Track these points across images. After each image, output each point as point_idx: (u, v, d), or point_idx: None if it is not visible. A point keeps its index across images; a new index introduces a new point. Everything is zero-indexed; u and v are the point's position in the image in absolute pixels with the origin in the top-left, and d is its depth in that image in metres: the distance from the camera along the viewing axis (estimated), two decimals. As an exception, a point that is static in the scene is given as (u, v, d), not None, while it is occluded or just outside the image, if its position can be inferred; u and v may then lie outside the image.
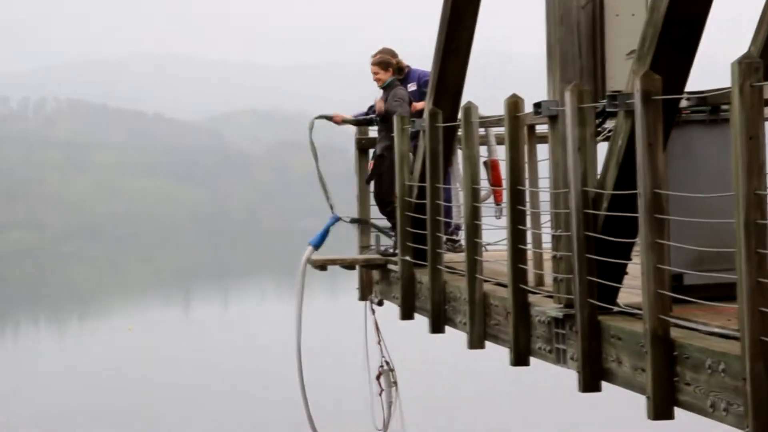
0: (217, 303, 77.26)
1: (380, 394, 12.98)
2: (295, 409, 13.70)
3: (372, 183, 13.25)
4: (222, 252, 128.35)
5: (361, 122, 13.63)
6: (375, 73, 13.30)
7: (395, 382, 12.98)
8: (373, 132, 13.64)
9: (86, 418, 37.72)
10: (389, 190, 12.97)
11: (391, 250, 12.79)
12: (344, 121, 13.61)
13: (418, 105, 13.16)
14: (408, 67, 13.49)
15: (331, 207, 13.19)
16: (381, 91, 13.33)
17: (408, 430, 12.80)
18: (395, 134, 12.36)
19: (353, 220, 13.33)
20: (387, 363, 13.04)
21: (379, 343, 13.07)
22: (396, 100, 13.00)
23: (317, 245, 13.10)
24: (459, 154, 11.61)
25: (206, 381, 43.34)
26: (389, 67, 13.29)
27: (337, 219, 13.12)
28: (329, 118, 13.57)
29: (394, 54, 13.38)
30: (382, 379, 13.01)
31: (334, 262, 13.12)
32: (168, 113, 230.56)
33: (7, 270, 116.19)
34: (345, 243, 13.23)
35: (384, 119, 13.16)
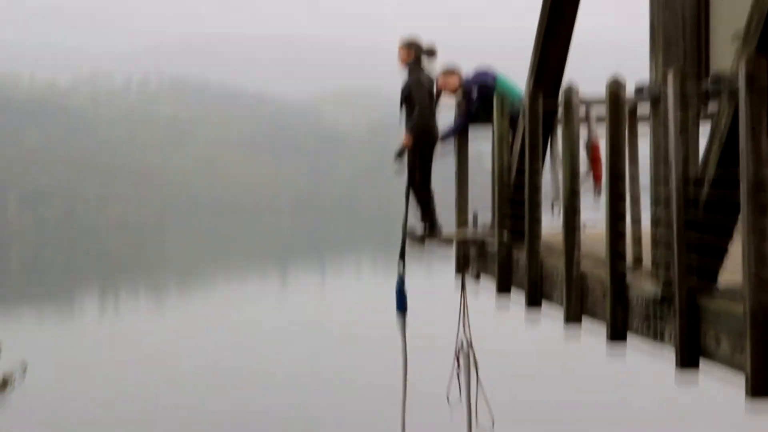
0: (314, 278, 77.86)
1: (458, 372, 13.08)
2: (392, 374, 13.85)
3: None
4: (320, 229, 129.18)
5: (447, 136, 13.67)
6: (401, 55, 13.46)
7: (475, 362, 13.05)
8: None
9: (186, 386, 38.32)
10: (411, 173, 13.21)
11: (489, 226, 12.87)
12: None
13: (448, 82, 13.33)
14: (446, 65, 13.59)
15: (406, 220, 13.25)
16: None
17: (487, 409, 12.85)
18: (495, 115, 12.42)
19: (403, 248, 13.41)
20: (468, 342, 13.13)
21: (462, 321, 13.15)
22: (415, 85, 13.16)
23: (404, 308, 13.27)
24: (559, 134, 11.63)
25: (304, 351, 43.77)
26: (413, 48, 13.42)
27: (402, 279, 13.26)
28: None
29: (416, 41, 13.52)
30: (460, 357, 13.10)
31: (431, 238, 13.25)
32: (269, 92, 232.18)
33: (109, 244, 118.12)
34: (443, 219, 13.34)
35: (404, 102, 13.28)
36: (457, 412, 12.99)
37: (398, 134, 13.47)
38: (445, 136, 13.51)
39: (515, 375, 36.05)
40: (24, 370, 19.06)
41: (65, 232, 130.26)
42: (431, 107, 13.38)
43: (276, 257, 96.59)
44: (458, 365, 13.06)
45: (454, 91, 13.49)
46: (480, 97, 13.30)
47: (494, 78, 13.37)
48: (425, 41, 13.56)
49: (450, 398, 12.92)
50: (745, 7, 7.92)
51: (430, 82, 13.36)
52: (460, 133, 13.61)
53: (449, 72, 13.55)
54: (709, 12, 9.27)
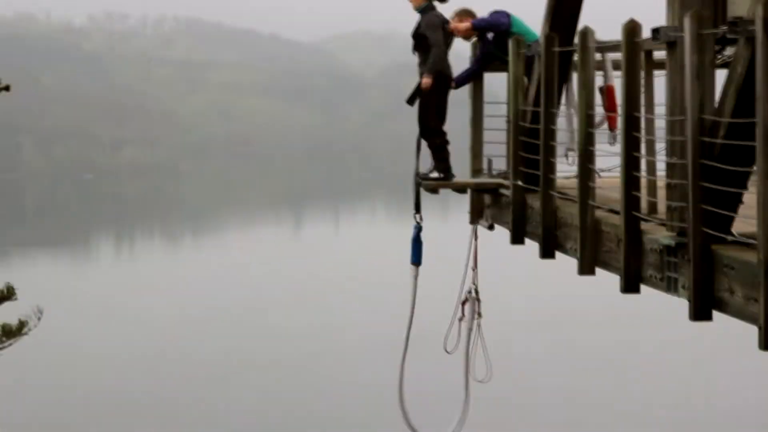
0: (328, 223, 77.87)
1: (461, 320, 13.01)
2: (398, 323, 13.84)
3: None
4: (333, 174, 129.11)
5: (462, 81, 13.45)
6: None
7: (479, 312, 12.98)
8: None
9: (200, 331, 38.46)
10: (425, 117, 12.96)
11: (504, 173, 12.75)
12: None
13: (460, 26, 13.12)
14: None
15: (417, 170, 13.03)
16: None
17: (486, 358, 12.81)
18: (510, 58, 12.29)
19: (421, 178, 13.18)
20: (476, 291, 13.04)
21: (474, 269, 13.05)
22: (429, 27, 12.96)
23: (418, 261, 13.11)
24: (574, 80, 11.51)
25: (316, 296, 43.87)
26: None
27: (419, 228, 13.06)
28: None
29: None
30: (467, 306, 13.02)
31: (446, 185, 13.13)
32: (283, 34, 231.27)
33: (122, 186, 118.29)
34: (457, 167, 13.23)
35: (418, 45, 13.08)
36: (461, 362, 12.96)
37: (412, 78, 13.30)
38: (460, 81, 13.34)
39: (525, 325, 36.06)
40: (39, 315, 19.09)
41: (80, 174, 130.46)
42: (446, 50, 13.20)
43: (289, 202, 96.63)
44: (463, 315, 12.98)
45: (467, 34, 13.31)
46: (495, 40, 13.12)
47: (509, 20, 13.16)
48: None
49: (451, 348, 12.86)
50: (765, -49, 7.77)
51: (444, 24, 13.16)
52: (474, 77, 13.45)
53: (463, 14, 13.35)
54: (727, -45, 9.13)
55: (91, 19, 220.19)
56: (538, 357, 32.97)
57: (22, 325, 18.76)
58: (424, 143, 13.09)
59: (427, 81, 12.91)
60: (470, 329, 12.97)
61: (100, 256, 64.16)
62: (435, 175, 13.11)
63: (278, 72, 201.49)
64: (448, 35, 13.22)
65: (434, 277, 13.48)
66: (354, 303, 42.33)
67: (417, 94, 13.05)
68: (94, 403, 30.72)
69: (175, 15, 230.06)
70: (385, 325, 33.15)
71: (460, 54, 13.92)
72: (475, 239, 13.09)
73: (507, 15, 13.20)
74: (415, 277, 13.10)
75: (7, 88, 17.76)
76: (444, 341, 12.88)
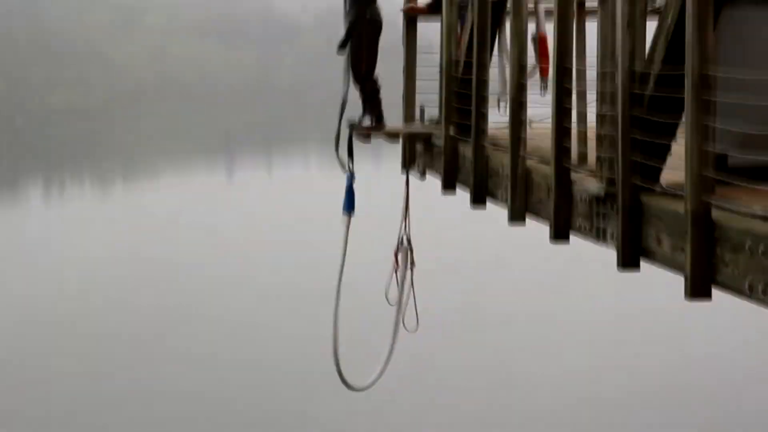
0: (260, 169, 77.60)
1: (395, 270, 13.02)
2: (330, 272, 13.82)
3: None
4: (268, 119, 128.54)
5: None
6: None
7: (413, 261, 12.99)
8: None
9: (130, 280, 38.23)
10: (357, 63, 12.88)
11: (436, 121, 12.72)
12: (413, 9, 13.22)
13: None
14: None
15: (337, 139, 12.89)
16: None
17: (422, 308, 12.87)
18: (443, 6, 12.24)
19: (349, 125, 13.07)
20: (408, 240, 13.04)
21: (405, 219, 13.06)
22: None
23: (351, 209, 13.00)
24: (507, 28, 11.49)
25: (248, 247, 43.72)
26: None
27: (352, 176, 12.93)
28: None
29: None
30: (399, 256, 13.03)
31: (378, 133, 13.09)
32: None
33: (54, 130, 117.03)
34: (389, 114, 13.19)
35: None
36: (392, 313, 12.98)
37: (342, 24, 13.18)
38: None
39: (455, 274, 36.16)
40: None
41: (8, 117, 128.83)
42: None
43: (222, 147, 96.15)
44: (397, 264, 12.99)
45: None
46: None
47: None
48: None
49: (389, 298, 12.89)
50: None
51: None
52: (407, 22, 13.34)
53: None
54: None
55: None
56: (464, 308, 33.10)
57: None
58: (352, 93, 12.96)
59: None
60: (403, 279, 12.99)
61: (29, 199, 63.52)
62: (367, 122, 13.05)
63: (213, 16, 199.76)
64: None
65: (367, 227, 13.44)
66: (286, 251, 42.26)
67: (346, 41, 12.97)
68: (18, 353, 30.34)
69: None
70: (317, 274, 33.12)
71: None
72: (407, 187, 13.09)
73: None
74: (347, 226, 13.06)
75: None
76: (385, 292, 12.88)
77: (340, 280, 13.06)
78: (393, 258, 12.97)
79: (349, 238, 12.95)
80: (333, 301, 12.99)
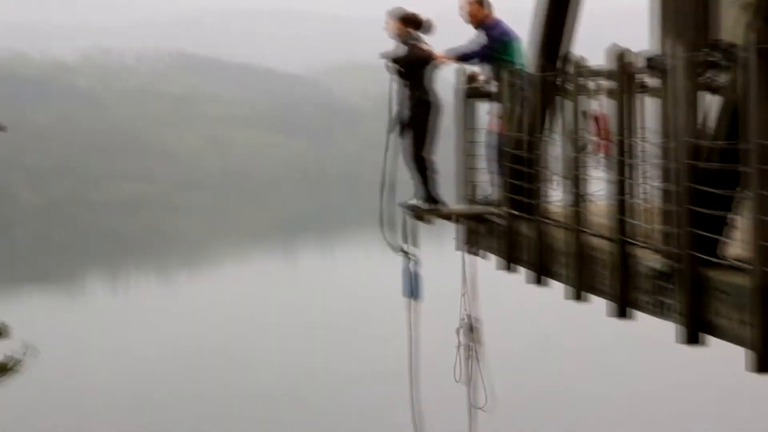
0: (322, 254, 77.81)
1: (458, 348, 12.92)
2: (397, 355, 13.76)
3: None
4: (327, 205, 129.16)
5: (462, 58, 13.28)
6: (393, 25, 13.14)
7: (478, 337, 12.89)
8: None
9: (198, 366, 38.28)
10: (418, 147, 12.88)
11: (492, 200, 12.68)
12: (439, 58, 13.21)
13: (443, 56, 13.03)
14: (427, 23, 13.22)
15: (382, 190, 12.91)
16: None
17: (486, 385, 12.73)
18: (502, 86, 12.25)
19: (405, 206, 13.11)
20: (469, 317, 12.95)
21: (464, 295, 12.97)
22: (416, 52, 12.89)
23: (415, 295, 12.99)
24: (563, 106, 11.47)
25: (311, 328, 43.71)
26: (410, 23, 13.13)
27: (409, 259, 12.92)
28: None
29: (414, 15, 13.21)
30: (461, 332, 12.94)
31: (433, 213, 13.05)
32: (277, 66, 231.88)
33: (118, 222, 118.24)
34: (446, 194, 13.18)
35: (407, 74, 13.00)
36: (464, 391, 12.88)
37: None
38: (461, 56, 13.16)
39: (519, 353, 35.92)
40: (32, 353, 18.96)
41: (74, 210, 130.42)
42: (432, 79, 13.15)
43: (283, 234, 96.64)
44: (460, 342, 12.89)
45: (477, 21, 13.17)
46: (498, 46, 13.01)
47: (517, 40, 13.11)
48: (422, 15, 13.30)
49: (458, 377, 12.78)
50: (751, -26, 7.76)
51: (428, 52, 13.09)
52: (472, 60, 13.29)
53: (482, 2, 13.19)
54: (713, -21, 9.11)
55: (85, 57, 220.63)
56: (534, 384, 32.84)
57: (14, 362, 18.62)
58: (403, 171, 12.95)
59: (442, 57, 12.92)
60: (468, 357, 12.89)
61: (95, 292, 63.99)
62: (422, 204, 13.04)
63: (272, 104, 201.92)
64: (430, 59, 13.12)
65: (427, 306, 13.37)
66: (350, 335, 42.20)
67: (410, 124, 12.99)
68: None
69: (170, 50, 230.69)
70: (383, 357, 33.06)
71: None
72: (465, 266, 13.02)
73: (517, 38, 13.07)
74: (415, 311, 13.00)
75: (3, 129, 17.81)
76: (454, 371, 12.79)
77: (411, 362, 12.99)
78: (456, 336, 12.89)
79: (415, 321, 12.90)
80: (403, 383, 12.91)
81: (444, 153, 13.26)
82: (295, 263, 73.78)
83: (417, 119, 12.94)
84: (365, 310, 46.20)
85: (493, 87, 13.12)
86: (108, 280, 70.64)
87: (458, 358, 12.84)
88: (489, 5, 13.32)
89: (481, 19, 13.20)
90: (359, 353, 38.54)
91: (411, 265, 12.90)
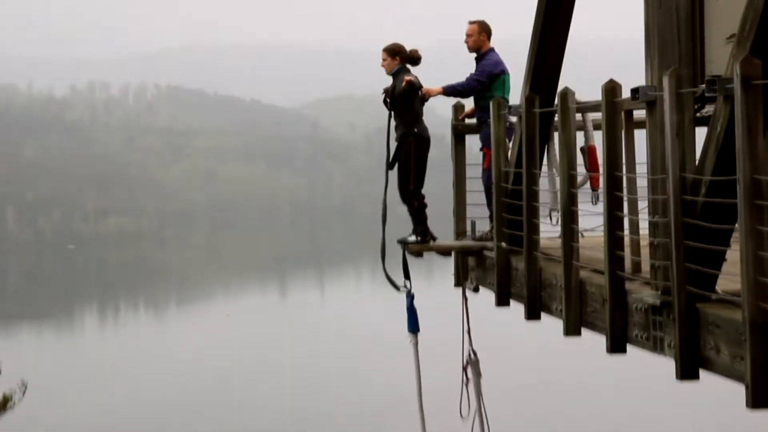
0: (313, 288, 77.70)
1: (466, 385, 12.89)
2: (390, 392, 13.75)
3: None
4: (318, 239, 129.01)
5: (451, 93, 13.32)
6: (383, 60, 13.24)
7: (480, 373, 12.89)
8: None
9: (182, 401, 38.16)
10: (405, 180, 12.93)
11: (487, 235, 12.72)
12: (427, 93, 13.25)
13: (432, 90, 13.09)
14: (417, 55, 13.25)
15: (384, 228, 12.93)
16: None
17: (491, 420, 12.72)
18: (492, 120, 12.31)
19: (401, 242, 13.12)
20: (474, 353, 12.95)
21: (468, 332, 12.97)
22: (402, 85, 12.92)
23: (415, 329, 13.03)
24: (556, 140, 11.53)
25: (304, 365, 43.61)
26: (396, 55, 13.19)
27: (412, 296, 12.96)
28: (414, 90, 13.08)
29: (402, 47, 13.29)
30: (469, 369, 12.92)
31: (429, 248, 13.08)
32: (265, 99, 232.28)
33: (107, 255, 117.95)
34: (441, 229, 13.20)
35: (393, 106, 13.07)
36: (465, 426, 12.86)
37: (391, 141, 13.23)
38: (451, 90, 13.19)
39: (518, 387, 35.89)
40: (24, 389, 18.86)
41: (64, 244, 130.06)
42: (421, 111, 13.18)
43: (274, 268, 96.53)
44: (466, 378, 12.87)
45: (473, 47, 13.22)
46: (486, 80, 13.06)
47: (507, 74, 13.17)
48: (409, 47, 13.37)
49: (465, 414, 12.76)
50: (740, 9, 7.84)
51: (419, 86, 13.13)
52: (465, 95, 13.33)
53: (482, 27, 13.24)
54: (703, 13, 9.19)
55: (73, 90, 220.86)
56: (532, 420, 32.80)
57: (6, 399, 18.53)
58: (393, 207, 12.95)
59: (427, 89, 12.94)
60: (478, 392, 12.88)
61: (84, 327, 63.81)
62: (413, 238, 13.04)
63: (261, 137, 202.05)
64: (422, 94, 13.17)
65: (424, 341, 13.36)
66: (343, 370, 42.08)
67: (396, 157, 13.03)
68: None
69: (157, 83, 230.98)
70: (376, 393, 32.94)
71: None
72: (465, 301, 13.03)
73: (488, 76, 13.13)
74: (415, 344, 13.00)
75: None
76: (460, 407, 12.75)
77: (420, 398, 12.97)
78: (462, 372, 12.86)
79: (418, 356, 12.89)
80: (413, 420, 12.88)
81: (446, 188, 13.29)
82: (286, 297, 73.67)
83: (404, 151, 12.97)
84: (357, 345, 46.10)
85: (478, 121, 13.20)
86: (97, 314, 70.45)
87: (463, 394, 12.82)
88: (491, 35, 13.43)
89: (480, 46, 13.30)
90: (352, 389, 38.42)
91: (408, 300, 12.91)
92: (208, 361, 45.78)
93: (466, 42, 13.30)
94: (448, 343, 12.81)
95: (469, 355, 12.93)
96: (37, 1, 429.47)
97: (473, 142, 13.53)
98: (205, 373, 42.93)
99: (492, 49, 13.30)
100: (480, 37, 13.28)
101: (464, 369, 12.89)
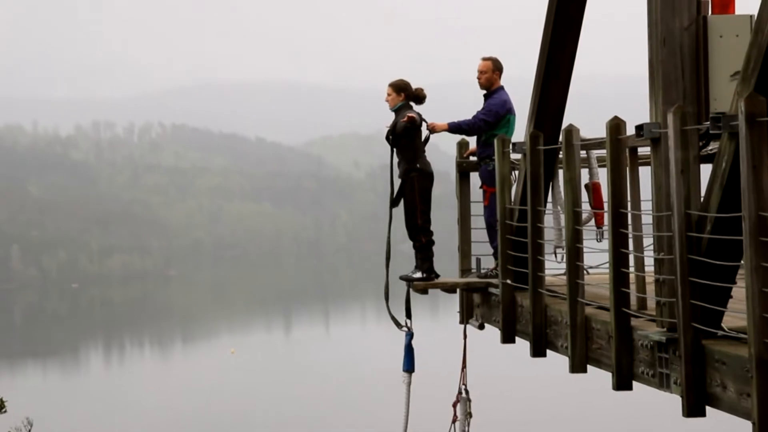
0: (318, 325, 77.59)
1: (454, 422, 12.87)
2: (395, 428, 13.73)
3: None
4: (323, 276, 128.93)
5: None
6: (388, 94, 13.27)
7: (470, 412, 12.86)
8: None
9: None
10: (412, 216, 12.95)
11: (492, 272, 12.72)
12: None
13: (438, 125, 13.09)
14: (422, 94, 13.28)
15: (387, 264, 12.93)
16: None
17: None
18: (496, 157, 12.32)
19: (404, 278, 13.12)
20: (466, 391, 12.92)
21: (463, 369, 12.94)
22: (402, 121, 12.96)
23: (411, 369, 13.01)
24: (560, 177, 11.53)
25: (308, 401, 43.51)
26: (402, 91, 13.22)
27: (411, 334, 12.96)
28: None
29: (408, 84, 13.31)
30: (458, 406, 12.89)
31: (435, 285, 13.07)
32: (269, 137, 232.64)
33: (113, 293, 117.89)
34: (446, 266, 13.20)
35: (395, 142, 13.09)
36: None
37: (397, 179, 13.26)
38: (455, 127, 13.18)
39: (524, 423, 35.76)
40: (29, 428, 18.81)
41: (68, 282, 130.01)
42: (423, 147, 13.20)
43: (279, 305, 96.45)
44: (456, 416, 12.85)
45: (485, 84, 13.20)
46: (492, 119, 13.04)
47: (513, 114, 13.15)
48: (414, 85, 13.38)
49: None
50: (744, 47, 7.87)
51: (421, 122, 13.15)
52: (464, 134, 13.33)
53: (495, 65, 13.21)
54: (707, 51, 9.22)
55: (78, 129, 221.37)
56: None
57: (15, 438, 18.49)
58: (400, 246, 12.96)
59: (439, 126, 12.95)
60: (464, 430, 12.84)
61: (90, 365, 63.74)
62: (418, 275, 13.02)
63: (266, 175, 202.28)
64: (427, 131, 13.19)
65: (426, 379, 13.35)
66: (346, 407, 41.98)
67: (401, 194, 13.04)
68: None
69: (161, 122, 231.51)
70: (378, 428, 32.80)
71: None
72: (465, 339, 13.01)
73: (495, 116, 13.09)
74: (408, 384, 12.96)
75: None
76: None
77: None
78: (452, 409, 12.83)
79: (410, 396, 12.84)
80: None
81: (450, 225, 13.30)
82: (291, 334, 73.54)
83: (408, 188, 12.98)
84: (362, 381, 45.99)
85: (479, 157, 13.20)
86: (102, 352, 70.35)
87: (455, 430, 12.79)
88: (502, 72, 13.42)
89: (492, 84, 13.27)
90: (356, 425, 38.31)
91: (407, 339, 12.89)
92: (213, 398, 45.68)
93: (479, 78, 13.26)
94: (447, 381, 12.77)
95: (459, 392, 12.90)
96: (41, 43, 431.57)
97: (478, 179, 13.53)
98: (211, 410, 42.83)
99: (502, 87, 13.30)
100: (493, 75, 13.26)
101: (454, 406, 12.87)
